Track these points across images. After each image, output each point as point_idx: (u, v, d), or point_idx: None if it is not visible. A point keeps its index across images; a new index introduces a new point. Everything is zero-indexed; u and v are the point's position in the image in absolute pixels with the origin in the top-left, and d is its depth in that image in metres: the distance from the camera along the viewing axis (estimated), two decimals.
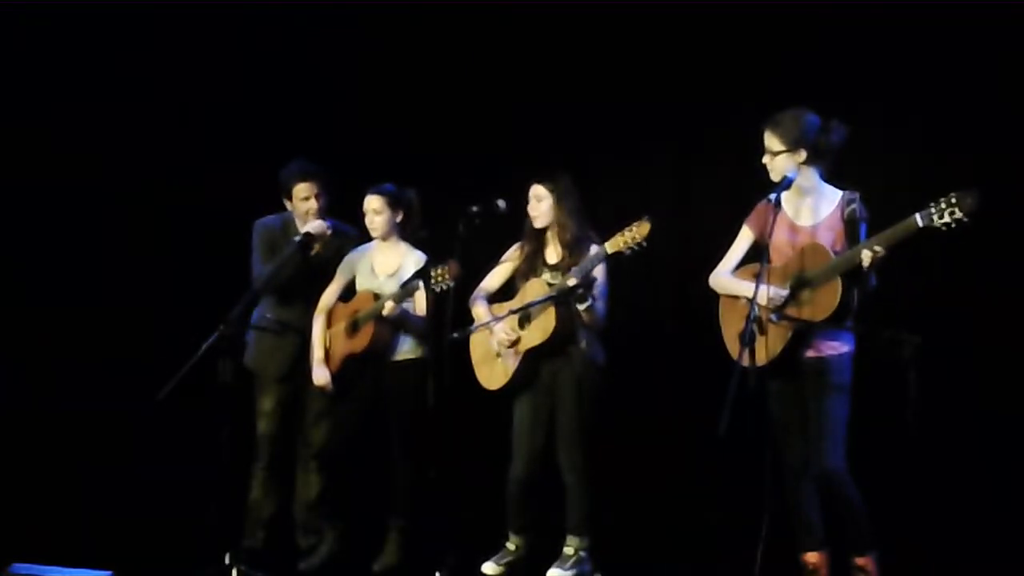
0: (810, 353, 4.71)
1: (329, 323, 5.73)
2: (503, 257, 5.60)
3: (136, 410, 6.01)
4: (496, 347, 5.47)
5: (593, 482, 5.36)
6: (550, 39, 6.31)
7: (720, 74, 5.98)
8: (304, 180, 5.71)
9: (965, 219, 4.29)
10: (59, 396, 6.61)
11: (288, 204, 5.78)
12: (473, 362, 5.58)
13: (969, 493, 5.42)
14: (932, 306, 5.47)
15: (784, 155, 4.74)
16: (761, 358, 4.57)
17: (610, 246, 5.09)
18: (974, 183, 4.34)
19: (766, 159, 4.79)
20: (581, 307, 5.22)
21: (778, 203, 4.66)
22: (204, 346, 5.21)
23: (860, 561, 4.70)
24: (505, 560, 5.48)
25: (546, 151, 6.11)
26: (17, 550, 5.52)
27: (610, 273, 5.33)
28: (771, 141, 4.76)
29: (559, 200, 5.38)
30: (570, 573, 5.35)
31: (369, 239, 5.71)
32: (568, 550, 5.38)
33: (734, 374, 4.36)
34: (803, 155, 4.74)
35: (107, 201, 6.78)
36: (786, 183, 4.69)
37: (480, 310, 5.54)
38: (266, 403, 5.79)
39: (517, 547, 5.50)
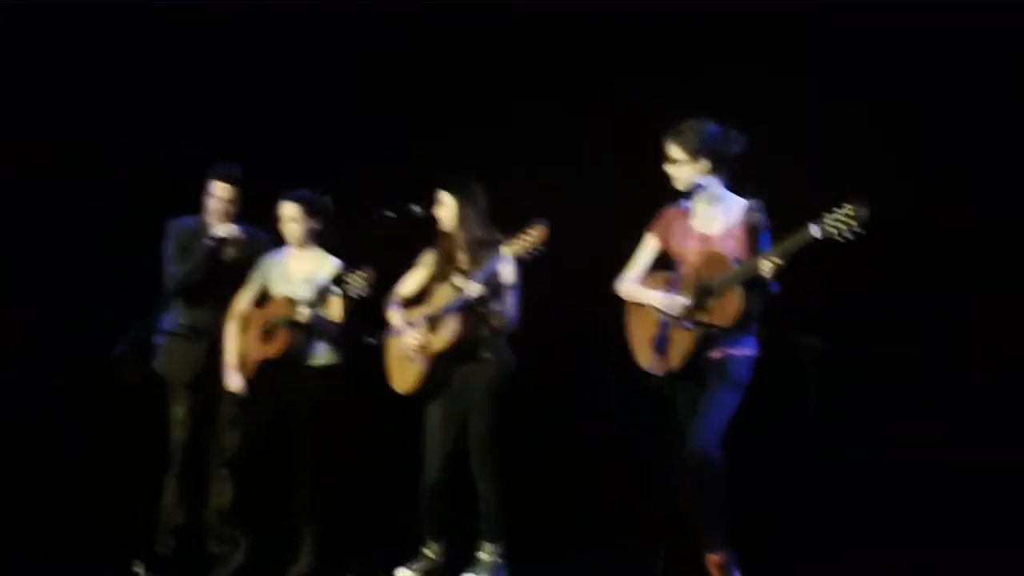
0: (714, 354, 4.78)
1: (242, 328, 5.69)
2: (417, 262, 5.62)
3: (46, 415, 5.92)
4: (406, 351, 5.48)
5: (506, 487, 5.39)
6: (465, 42, 6.35)
7: (630, 82, 6.06)
8: (223, 180, 5.66)
9: (859, 229, 4.39)
10: None
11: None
12: (387, 366, 5.58)
13: (867, 498, 5.56)
14: (841, 310, 5.60)
15: (686, 164, 4.82)
16: (673, 363, 4.67)
17: (507, 249, 5.13)
18: (872, 189, 4.44)
19: (668, 168, 4.86)
20: (487, 311, 5.26)
21: (687, 211, 4.75)
22: (114, 351, 5.16)
23: (709, 558, 4.75)
24: (420, 566, 5.49)
25: (462, 157, 6.15)
26: None
27: (522, 278, 5.37)
28: (673, 150, 4.84)
29: (461, 205, 5.42)
30: None
31: (282, 244, 5.68)
32: (482, 555, 5.41)
33: (642, 379, 4.43)
34: (704, 164, 4.82)
35: (30, 202, 6.66)
36: (696, 191, 4.78)
37: (395, 315, 5.55)
38: (178, 410, 5.73)
39: (433, 553, 5.50)
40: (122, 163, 6.58)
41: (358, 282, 5.20)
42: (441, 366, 5.41)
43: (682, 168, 4.82)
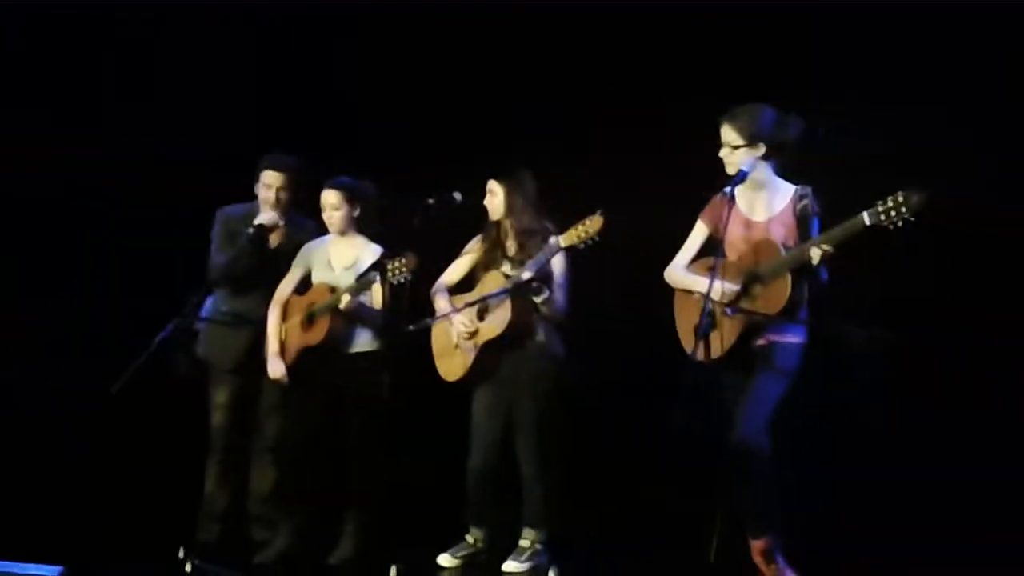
0: (761, 341, 4.73)
1: (284, 316, 5.70)
2: (464, 249, 5.62)
3: (90, 403, 5.97)
4: (455, 339, 5.46)
5: (551, 475, 5.37)
6: (508, 33, 6.32)
7: (676, 67, 6.00)
8: (271, 169, 5.68)
9: (912, 217, 4.32)
10: (11, 390, 6.54)
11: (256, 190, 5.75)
12: (434, 354, 5.58)
13: (923, 486, 5.47)
14: (893, 299, 5.51)
15: (743, 149, 4.73)
16: (716, 351, 4.62)
17: (564, 240, 5.13)
18: (927, 179, 4.36)
19: (724, 153, 4.77)
20: (538, 300, 5.25)
21: (732, 197, 4.68)
22: (158, 338, 5.20)
23: (754, 545, 4.72)
24: (463, 552, 5.49)
25: (505, 145, 6.13)
26: None
27: (571, 266, 5.35)
28: (730, 135, 4.75)
29: (510, 194, 5.41)
30: (526, 566, 5.37)
31: (326, 232, 5.69)
32: (524, 542, 5.40)
33: (688, 367, 4.39)
34: (762, 149, 4.73)
35: (68, 191, 6.72)
36: (740, 177, 4.70)
37: (441, 302, 5.55)
38: (220, 395, 5.75)
39: (476, 540, 5.50)
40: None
41: (400, 269, 5.20)
42: (490, 353, 5.40)
43: (739, 153, 4.73)
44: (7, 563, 5.28)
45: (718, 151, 4.79)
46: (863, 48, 5.68)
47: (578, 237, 5.07)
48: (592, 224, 5.03)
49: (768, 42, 5.82)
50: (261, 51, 6.67)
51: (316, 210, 5.67)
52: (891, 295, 5.46)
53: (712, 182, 4.86)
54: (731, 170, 4.77)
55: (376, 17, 6.51)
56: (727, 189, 4.69)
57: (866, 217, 4.39)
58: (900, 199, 4.32)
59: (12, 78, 6.71)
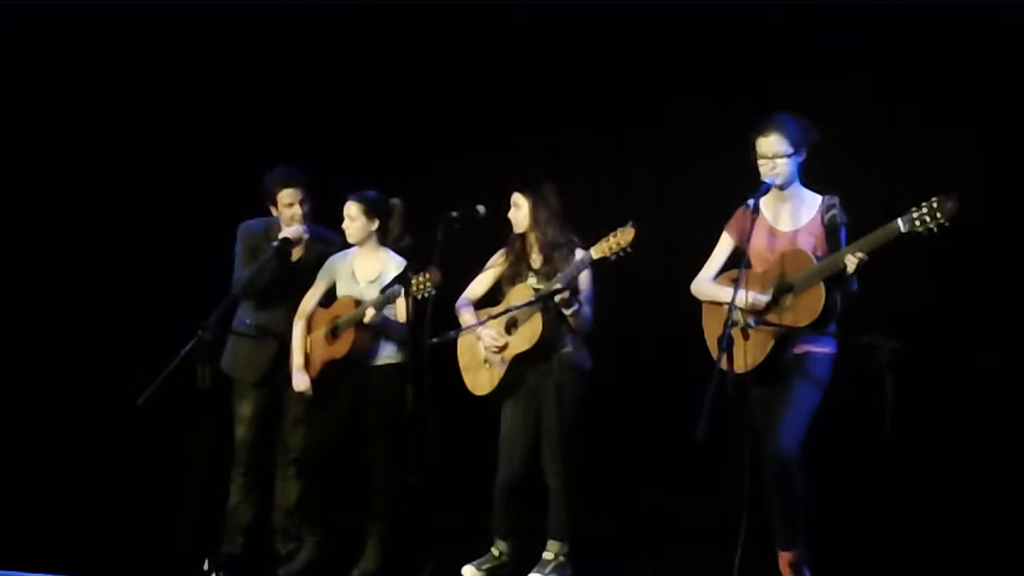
0: (795, 351, 4.71)
1: (309, 329, 5.73)
2: (488, 263, 5.61)
3: (115, 414, 6.00)
4: (484, 353, 5.46)
5: (577, 487, 5.36)
6: (530, 41, 6.34)
7: (700, 76, 6.00)
8: (288, 186, 5.71)
9: (946, 223, 4.31)
10: (37, 398, 6.58)
11: (273, 210, 5.79)
12: (460, 367, 5.58)
13: (947, 497, 5.44)
14: (915, 310, 5.49)
15: (789, 157, 4.71)
16: (740, 365, 4.58)
17: (595, 252, 5.12)
18: (952, 186, 4.36)
19: (772, 164, 4.71)
20: (567, 312, 5.24)
21: (756, 208, 4.67)
22: (183, 351, 5.23)
23: (781, 556, 4.71)
24: (487, 565, 5.47)
25: (530, 155, 6.15)
26: None
27: (597, 278, 5.34)
28: (779, 144, 4.70)
29: (535, 207, 5.40)
30: None
31: (351, 246, 5.71)
32: (548, 555, 5.38)
33: (713, 378, 4.38)
34: (804, 155, 4.74)
35: (88, 201, 6.76)
36: (764, 188, 4.70)
37: (466, 316, 5.54)
38: (244, 408, 5.78)
39: (501, 552, 5.48)
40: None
41: (423, 283, 5.21)
42: (519, 367, 5.39)
43: (785, 162, 4.70)
44: (29, 574, 5.33)
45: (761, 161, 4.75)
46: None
47: (610, 249, 5.06)
48: (623, 235, 5.02)
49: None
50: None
51: (340, 224, 5.71)
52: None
53: (735, 189, 4.87)
54: (779, 180, 4.73)
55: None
56: (750, 201, 4.69)
57: (901, 224, 4.38)
58: (935, 205, 4.31)
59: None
